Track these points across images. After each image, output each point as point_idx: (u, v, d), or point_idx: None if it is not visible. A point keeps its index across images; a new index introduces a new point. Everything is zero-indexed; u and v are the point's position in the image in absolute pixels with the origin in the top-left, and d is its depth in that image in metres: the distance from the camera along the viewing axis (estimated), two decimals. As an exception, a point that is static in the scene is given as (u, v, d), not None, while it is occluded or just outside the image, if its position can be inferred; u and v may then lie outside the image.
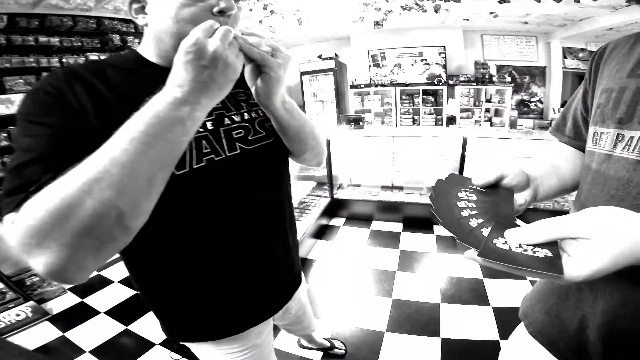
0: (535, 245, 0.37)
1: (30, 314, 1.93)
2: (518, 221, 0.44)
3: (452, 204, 0.46)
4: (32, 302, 1.98)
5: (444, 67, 5.42)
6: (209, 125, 0.61)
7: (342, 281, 2.23)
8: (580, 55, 5.20)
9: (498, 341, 1.64)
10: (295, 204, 2.88)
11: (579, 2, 3.47)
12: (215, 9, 0.54)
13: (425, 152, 3.06)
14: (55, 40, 2.84)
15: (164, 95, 0.43)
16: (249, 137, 0.66)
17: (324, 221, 2.95)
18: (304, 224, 2.53)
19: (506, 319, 1.77)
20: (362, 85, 5.74)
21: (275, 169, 0.73)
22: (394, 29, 5.26)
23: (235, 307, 0.69)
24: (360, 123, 3.22)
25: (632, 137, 0.49)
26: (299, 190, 3.09)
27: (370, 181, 3.34)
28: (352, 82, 5.82)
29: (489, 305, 1.89)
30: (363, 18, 4.67)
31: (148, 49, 0.61)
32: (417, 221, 2.93)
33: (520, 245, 0.37)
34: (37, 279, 2.30)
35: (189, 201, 0.58)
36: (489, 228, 0.40)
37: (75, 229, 0.36)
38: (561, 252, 0.37)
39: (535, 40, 5.13)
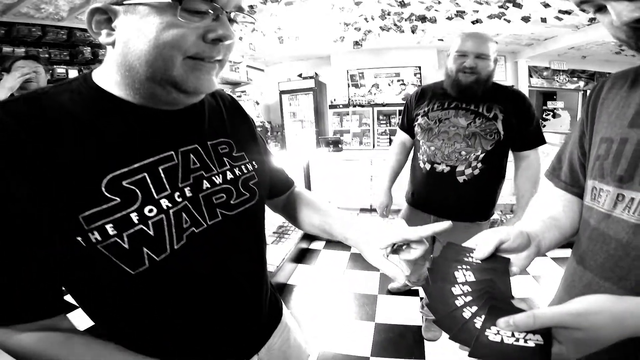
0: (527, 332, 0.38)
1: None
2: (515, 300, 0.44)
3: (447, 291, 0.46)
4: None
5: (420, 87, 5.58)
6: (188, 192, 0.50)
7: (324, 306, 2.17)
8: (545, 73, 5.49)
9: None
10: (274, 228, 2.79)
11: (545, 22, 3.67)
12: (211, 35, 0.43)
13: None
14: (20, 51, 2.68)
15: None
16: (231, 202, 0.56)
17: (304, 245, 2.89)
18: (284, 249, 2.45)
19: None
20: (340, 105, 5.81)
21: (259, 229, 0.66)
22: (373, 49, 5.40)
23: (211, 349, 0.61)
24: (339, 146, 3.24)
25: (632, 199, 0.47)
26: (277, 215, 2.99)
27: (349, 204, 3.33)
28: (332, 101, 5.88)
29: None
30: (343, 38, 4.76)
31: (111, 78, 0.46)
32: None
33: (513, 334, 0.39)
34: None
35: (170, 284, 0.50)
36: (483, 317, 0.41)
37: None
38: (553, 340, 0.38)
39: (504, 59, 5.38)
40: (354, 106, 5.78)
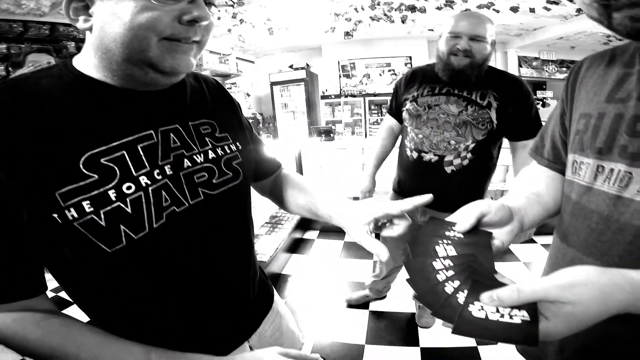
0: (512, 307, 0.37)
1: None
2: (498, 275, 0.43)
3: (428, 265, 0.45)
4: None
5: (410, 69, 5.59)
6: (168, 170, 0.50)
7: (319, 295, 2.18)
8: (534, 64, 5.55)
9: (476, 347, 1.65)
10: (266, 218, 2.80)
11: (534, 12, 3.70)
12: (186, 17, 0.44)
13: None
14: (2, 47, 2.62)
15: None
16: (214, 181, 0.56)
17: (297, 235, 2.89)
18: (277, 239, 2.45)
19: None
20: (332, 96, 5.79)
21: (243, 210, 0.65)
22: (364, 40, 5.38)
23: (200, 338, 0.61)
24: (331, 135, 3.23)
25: (612, 170, 0.47)
26: (270, 205, 2.99)
27: (341, 192, 3.31)
28: (323, 92, 5.86)
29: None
30: (334, 28, 4.72)
31: (89, 62, 0.47)
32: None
33: (498, 310, 0.37)
34: None
35: (150, 264, 0.49)
36: (466, 292, 0.40)
37: None
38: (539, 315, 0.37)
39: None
40: (346, 96, 5.77)
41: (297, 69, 5.65)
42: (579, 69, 0.59)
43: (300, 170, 2.90)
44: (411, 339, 1.74)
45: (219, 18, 3.87)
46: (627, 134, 0.46)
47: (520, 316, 0.36)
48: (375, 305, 2.01)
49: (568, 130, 0.60)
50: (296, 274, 2.43)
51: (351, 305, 2.00)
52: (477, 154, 1.31)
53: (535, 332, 0.34)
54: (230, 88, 5.06)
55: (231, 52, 5.11)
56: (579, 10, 3.54)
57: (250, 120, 4.66)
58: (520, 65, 5.47)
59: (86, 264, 0.46)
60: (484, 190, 1.45)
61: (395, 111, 1.52)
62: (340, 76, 5.87)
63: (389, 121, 1.60)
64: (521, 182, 0.70)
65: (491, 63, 1.32)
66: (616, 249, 0.47)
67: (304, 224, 3.04)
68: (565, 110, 0.62)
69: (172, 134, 0.52)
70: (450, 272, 0.43)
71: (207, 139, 0.58)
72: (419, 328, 1.81)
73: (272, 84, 5.82)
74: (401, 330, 1.82)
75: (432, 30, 4.89)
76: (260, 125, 5.77)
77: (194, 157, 0.54)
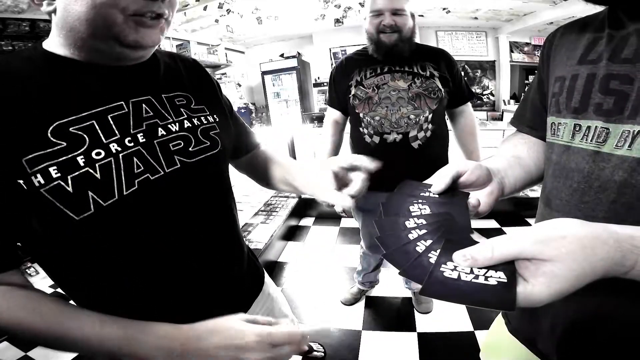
0: (488, 269, 0.33)
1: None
2: (475, 235, 0.40)
3: (400, 224, 0.42)
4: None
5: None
6: (141, 138, 0.50)
7: (315, 282, 2.19)
8: (526, 49, 5.55)
9: (473, 332, 1.67)
10: (261, 206, 2.80)
11: (523, -4, 3.69)
12: None
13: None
14: None
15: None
16: (190, 149, 0.56)
17: (293, 222, 2.89)
18: (272, 226, 2.45)
19: (477, 309, 1.79)
20: (325, 84, 5.72)
21: (222, 181, 0.65)
22: (354, 27, 5.29)
23: (188, 321, 0.60)
24: (323, 121, 3.19)
25: (589, 127, 0.48)
26: (265, 192, 3.00)
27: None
28: (316, 80, 5.80)
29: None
30: (324, 16, 4.65)
31: (56, 42, 0.49)
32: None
33: (472, 270, 0.33)
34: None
35: (122, 235, 0.48)
36: (438, 251, 0.36)
37: None
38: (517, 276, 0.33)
39: (484, 35, 5.40)
40: (338, 84, 5.72)
41: (288, 57, 5.57)
42: (553, 37, 0.60)
43: (293, 156, 2.89)
44: (408, 324, 1.75)
45: (205, 8, 3.78)
46: (601, 92, 0.47)
47: (496, 277, 0.32)
48: (372, 291, 2.02)
49: (546, 96, 0.60)
50: (292, 262, 2.44)
51: (349, 304, 1.95)
52: (436, 124, 1.33)
53: (512, 295, 0.30)
54: (220, 78, 4.98)
55: (220, 43, 5.01)
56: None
57: (243, 110, 4.58)
58: (511, 51, 5.47)
59: (54, 235, 0.45)
60: (447, 159, 1.46)
61: (340, 101, 1.45)
62: (332, 64, 5.80)
63: (333, 114, 1.51)
64: (502, 148, 0.69)
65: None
66: (600, 209, 0.47)
67: (299, 211, 3.04)
68: (542, 78, 0.62)
69: (144, 104, 0.53)
70: (423, 231, 0.40)
71: (182, 109, 0.58)
72: (415, 313, 1.82)
73: (264, 73, 5.73)
74: (398, 315, 1.83)
75: (422, 15, 4.85)
76: (253, 114, 5.71)
77: (169, 126, 0.55)
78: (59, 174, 0.42)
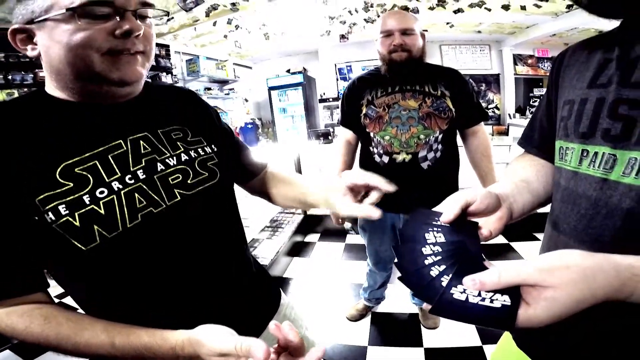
0: (494, 292, 0.36)
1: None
2: (486, 262, 0.43)
3: (418, 250, 0.45)
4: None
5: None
6: (141, 174, 0.53)
7: (320, 298, 2.18)
8: (529, 61, 5.57)
9: (481, 347, 1.64)
10: (267, 222, 2.81)
11: (524, 9, 3.73)
12: (118, 32, 0.48)
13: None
14: (0, 55, 2.57)
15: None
16: (189, 182, 0.58)
17: (298, 238, 2.90)
18: (277, 243, 2.46)
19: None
20: (330, 99, 5.79)
21: (224, 209, 0.66)
22: (359, 42, 5.39)
23: None
24: (329, 137, 3.23)
25: (596, 153, 0.48)
26: (270, 208, 3.02)
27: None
28: (321, 95, 5.87)
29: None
30: (329, 32, 4.75)
31: (51, 85, 0.53)
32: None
33: (480, 293, 0.36)
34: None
35: (129, 261, 0.52)
36: (450, 276, 0.40)
37: None
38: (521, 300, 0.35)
39: (488, 48, 5.44)
40: (343, 99, 5.78)
41: (294, 73, 5.67)
42: (562, 57, 0.60)
43: (300, 172, 2.92)
44: (415, 340, 1.72)
45: (214, 24, 3.91)
46: (609, 117, 0.46)
47: (501, 301, 0.35)
48: (376, 307, 2.00)
49: (554, 118, 0.60)
50: (298, 277, 2.43)
51: (354, 320, 1.92)
52: (446, 144, 1.33)
53: (513, 316, 0.34)
54: (227, 94, 5.08)
55: (228, 58, 5.14)
56: (569, 7, 3.57)
57: (250, 126, 4.62)
58: (515, 63, 5.49)
59: (68, 262, 0.50)
60: (457, 183, 1.46)
61: (351, 120, 1.45)
62: (337, 79, 5.89)
63: (345, 134, 1.51)
64: (510, 171, 0.69)
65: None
66: (607, 235, 0.46)
67: (305, 228, 3.05)
68: (550, 99, 0.62)
69: (142, 141, 0.56)
70: (438, 257, 0.43)
71: (178, 143, 0.60)
72: (422, 328, 1.79)
73: (270, 88, 5.84)
74: (404, 330, 1.81)
75: (426, 30, 4.93)
76: (260, 130, 5.78)
77: (167, 160, 0.57)
78: (67, 211, 0.46)
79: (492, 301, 0.35)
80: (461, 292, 0.37)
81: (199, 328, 0.48)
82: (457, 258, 0.43)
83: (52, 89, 0.53)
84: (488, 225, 0.52)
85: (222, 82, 5.14)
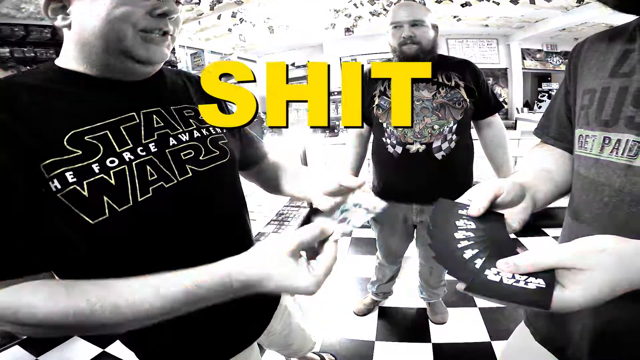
0: (529, 275, 0.36)
1: (-1, 338, 1.73)
2: (518, 249, 0.42)
3: (450, 234, 0.45)
4: None
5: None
6: (152, 147, 0.52)
7: (327, 292, 2.17)
8: (538, 56, 5.50)
9: (490, 342, 1.63)
10: (273, 215, 2.81)
11: (534, 3, 3.67)
12: (157, 11, 0.50)
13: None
14: (5, 51, 2.62)
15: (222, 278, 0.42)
16: (201, 158, 0.58)
17: (305, 231, 2.89)
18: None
19: (494, 319, 1.77)
20: (335, 92, 5.76)
21: (232, 189, 0.67)
22: (364, 36, 5.35)
23: (211, 338, 0.62)
24: (335, 130, 3.22)
25: (619, 140, 0.47)
26: (276, 202, 3.01)
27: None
28: (326, 89, 5.86)
29: (476, 307, 1.89)
30: (334, 25, 4.71)
31: (69, 56, 0.52)
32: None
33: (513, 276, 0.36)
34: None
35: (136, 239, 0.50)
36: (483, 258, 0.40)
37: None
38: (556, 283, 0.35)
39: (496, 42, 5.38)
40: (348, 93, 5.76)
41: (298, 67, 5.65)
42: (581, 48, 0.60)
43: (305, 165, 2.91)
44: (422, 335, 1.72)
45: (218, 17, 3.88)
46: (633, 105, 0.46)
47: (536, 283, 0.35)
48: (385, 301, 1.99)
49: (572, 108, 0.60)
50: (304, 271, 2.43)
51: (361, 314, 1.91)
52: (461, 135, 1.32)
53: (549, 296, 0.34)
54: (232, 88, 5.08)
55: (232, 52, 5.11)
56: (579, 1, 3.50)
57: (255, 120, 4.65)
58: (523, 58, 5.42)
59: (71, 239, 0.45)
60: (472, 175, 1.45)
61: (364, 112, 1.42)
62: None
63: None
64: (530, 160, 0.69)
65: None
66: (634, 221, 0.46)
67: (311, 221, 3.04)
68: (569, 89, 0.62)
69: (154, 116, 0.56)
70: (471, 242, 0.44)
71: (190, 120, 0.61)
72: (430, 323, 1.79)
73: (274, 82, 5.83)
74: (412, 326, 1.80)
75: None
76: (265, 124, 5.78)
77: (179, 135, 0.57)
78: (74, 179, 0.44)
79: (526, 283, 0.35)
80: (495, 274, 0.37)
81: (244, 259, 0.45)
82: (489, 243, 0.43)
83: (70, 60, 0.52)
84: (512, 215, 0.51)
85: (227, 76, 5.13)
